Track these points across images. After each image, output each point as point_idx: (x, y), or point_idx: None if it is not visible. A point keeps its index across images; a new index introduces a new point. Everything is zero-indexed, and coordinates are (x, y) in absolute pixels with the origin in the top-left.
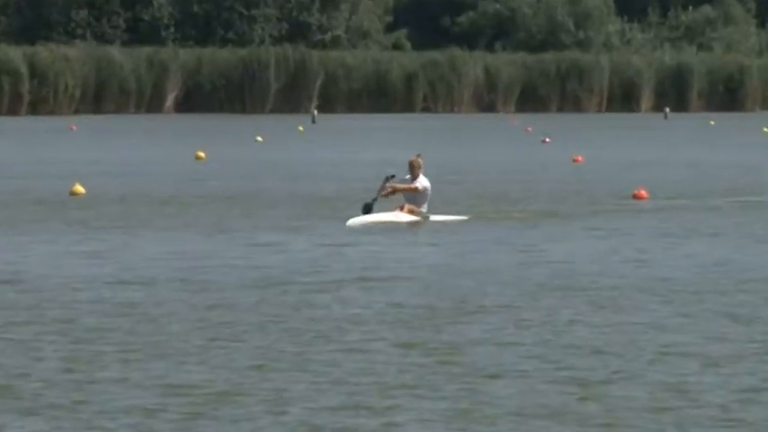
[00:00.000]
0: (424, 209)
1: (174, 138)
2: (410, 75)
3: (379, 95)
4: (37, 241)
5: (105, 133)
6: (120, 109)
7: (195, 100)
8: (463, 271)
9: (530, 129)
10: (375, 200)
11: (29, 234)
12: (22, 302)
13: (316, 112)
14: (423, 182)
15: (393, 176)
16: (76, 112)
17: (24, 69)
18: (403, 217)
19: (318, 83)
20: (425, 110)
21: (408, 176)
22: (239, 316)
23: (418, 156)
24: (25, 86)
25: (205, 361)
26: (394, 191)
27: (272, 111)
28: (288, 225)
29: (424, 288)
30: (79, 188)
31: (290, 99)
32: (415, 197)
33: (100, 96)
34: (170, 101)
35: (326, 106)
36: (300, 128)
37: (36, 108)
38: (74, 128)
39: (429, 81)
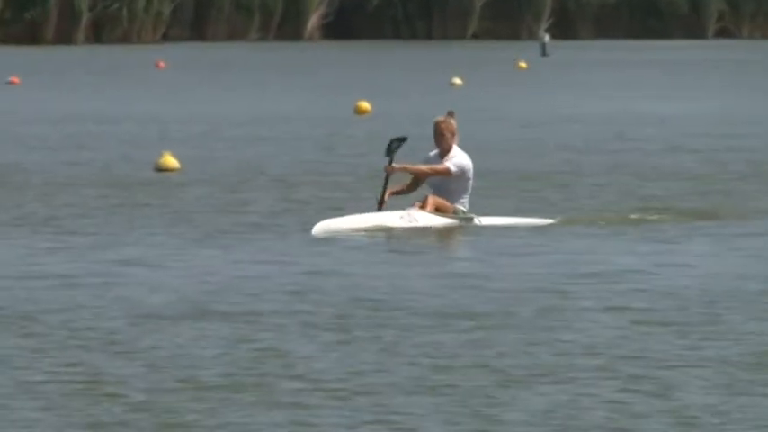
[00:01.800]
0: (461, 205)
1: (321, 79)
2: None
3: (647, 13)
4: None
5: (207, 71)
6: (235, 35)
7: (349, 21)
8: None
9: None
10: (382, 198)
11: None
12: None
13: (547, 37)
14: (458, 160)
15: (402, 141)
16: (165, 38)
17: None
18: (420, 217)
19: None
20: (724, 34)
21: (434, 152)
22: None
23: (449, 115)
24: None
25: None
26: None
27: (476, 36)
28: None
29: None
30: (170, 160)
31: (505, 17)
32: (445, 185)
33: (202, 17)
34: (313, 22)
35: (563, 29)
36: (522, 63)
37: (100, 32)
38: (162, 65)
39: None
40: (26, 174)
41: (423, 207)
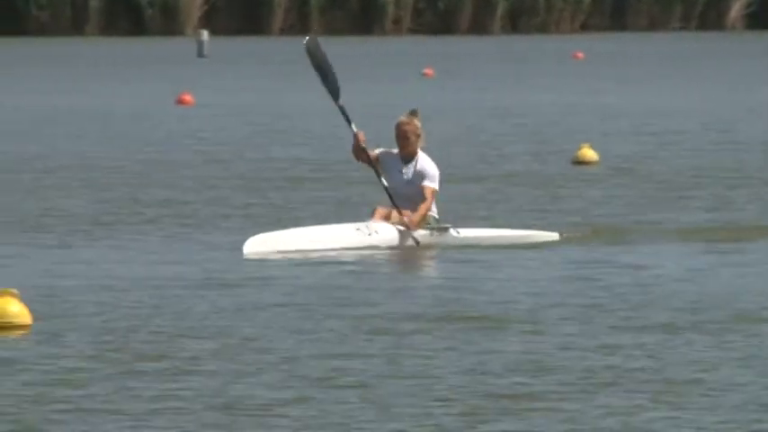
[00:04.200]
0: (432, 211)
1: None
2: None
3: None
4: None
5: (624, 62)
6: (656, 25)
7: None
8: None
9: None
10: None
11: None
12: None
13: None
14: (428, 168)
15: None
16: (584, 28)
17: None
18: (382, 229)
19: None
20: None
21: (392, 153)
22: None
23: (412, 114)
24: None
25: None
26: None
27: None
28: None
29: None
30: (589, 152)
31: None
32: (408, 190)
33: (622, 6)
34: (736, 11)
35: None
36: None
37: (517, 21)
38: (579, 55)
39: None
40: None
41: (386, 218)
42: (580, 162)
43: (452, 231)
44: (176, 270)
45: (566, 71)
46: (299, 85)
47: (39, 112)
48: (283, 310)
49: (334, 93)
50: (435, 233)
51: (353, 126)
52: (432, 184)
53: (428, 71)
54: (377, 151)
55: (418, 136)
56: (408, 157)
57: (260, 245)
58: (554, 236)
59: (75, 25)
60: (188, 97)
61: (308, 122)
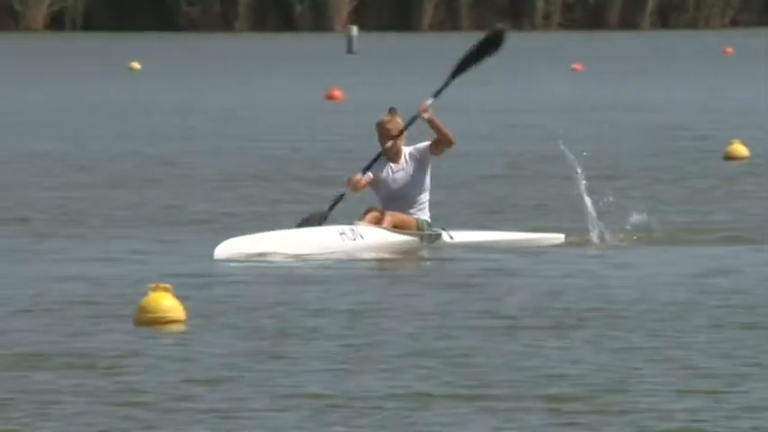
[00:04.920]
0: (424, 214)
1: None
2: None
3: None
4: None
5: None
6: None
7: None
8: None
9: None
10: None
11: None
12: None
13: None
14: (414, 148)
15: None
16: (734, 24)
17: None
18: (368, 233)
19: None
20: None
21: (380, 158)
22: None
23: (392, 112)
24: None
25: None
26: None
27: None
28: None
29: None
30: (740, 148)
31: None
32: (401, 194)
33: None
34: None
35: None
36: None
37: (667, 17)
38: (729, 50)
39: None
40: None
41: (377, 222)
42: (731, 158)
43: (445, 236)
44: (315, 265)
45: (715, 66)
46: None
47: (210, 109)
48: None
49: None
50: (426, 239)
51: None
52: (427, 143)
53: (577, 66)
54: (369, 175)
55: (399, 133)
56: (395, 156)
57: (232, 249)
58: (559, 238)
59: (225, 21)
60: (337, 93)
61: (457, 118)
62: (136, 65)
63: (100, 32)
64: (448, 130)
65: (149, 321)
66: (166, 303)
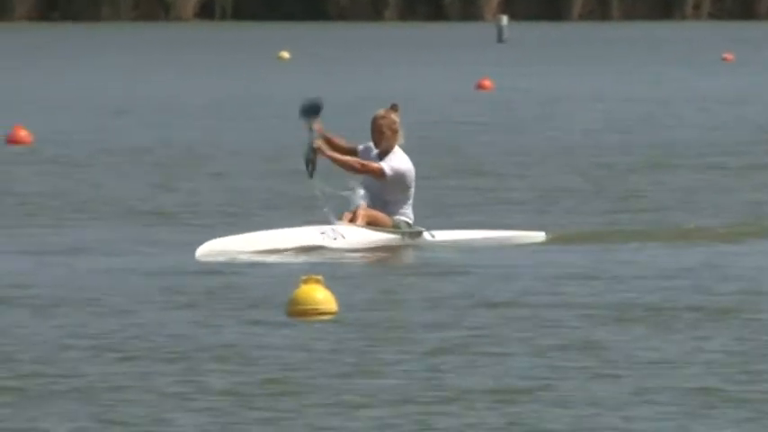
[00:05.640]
0: (404, 216)
1: None
2: None
3: None
4: None
5: None
6: None
7: None
8: None
9: None
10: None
11: None
12: None
13: None
14: (396, 163)
15: (315, 111)
16: None
17: None
18: (349, 233)
19: None
20: None
21: (373, 150)
22: None
23: (392, 108)
24: None
25: None
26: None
27: None
28: None
29: None
30: None
31: None
32: (378, 189)
33: None
34: None
35: None
36: None
37: None
38: None
39: None
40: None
41: (352, 220)
42: None
43: (426, 235)
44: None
45: None
46: (598, 70)
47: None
48: None
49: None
50: (407, 237)
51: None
52: (385, 165)
53: (728, 56)
54: (360, 146)
55: (394, 131)
56: (383, 152)
57: (212, 251)
58: (540, 236)
59: (375, 10)
60: (487, 82)
61: (605, 108)
62: (285, 54)
63: (249, 21)
64: (353, 161)
65: (301, 313)
66: (318, 295)
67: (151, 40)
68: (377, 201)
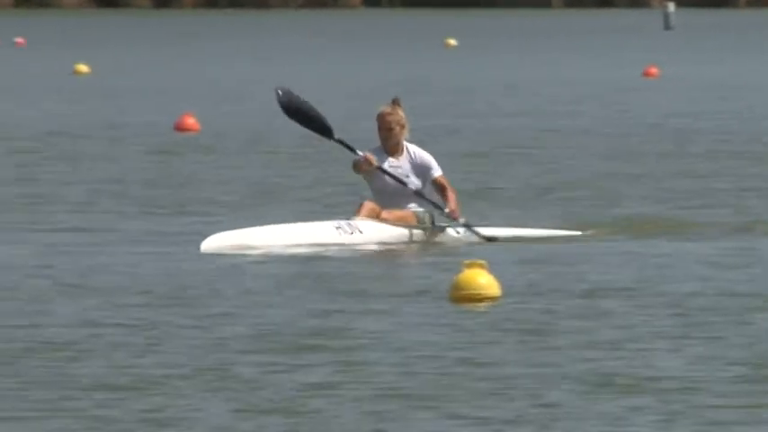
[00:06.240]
0: (417, 207)
1: None
2: None
3: None
4: None
5: None
6: None
7: None
8: None
9: None
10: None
11: None
12: None
13: None
14: (421, 156)
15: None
16: None
17: None
18: (366, 228)
19: None
20: None
21: (381, 151)
22: None
23: (395, 103)
24: None
25: None
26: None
27: None
28: None
29: None
30: None
31: None
32: (392, 189)
33: None
34: None
35: None
36: None
37: None
38: None
39: None
40: None
41: (378, 217)
42: None
43: (451, 231)
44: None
45: None
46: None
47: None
48: None
49: (326, 132)
50: (429, 232)
51: (359, 152)
52: (438, 172)
53: None
54: (367, 152)
55: (402, 126)
56: (394, 149)
57: (220, 244)
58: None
59: None
60: (654, 70)
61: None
62: (452, 41)
63: (417, 8)
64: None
65: (464, 299)
66: (481, 280)
67: (319, 27)
68: (393, 198)
